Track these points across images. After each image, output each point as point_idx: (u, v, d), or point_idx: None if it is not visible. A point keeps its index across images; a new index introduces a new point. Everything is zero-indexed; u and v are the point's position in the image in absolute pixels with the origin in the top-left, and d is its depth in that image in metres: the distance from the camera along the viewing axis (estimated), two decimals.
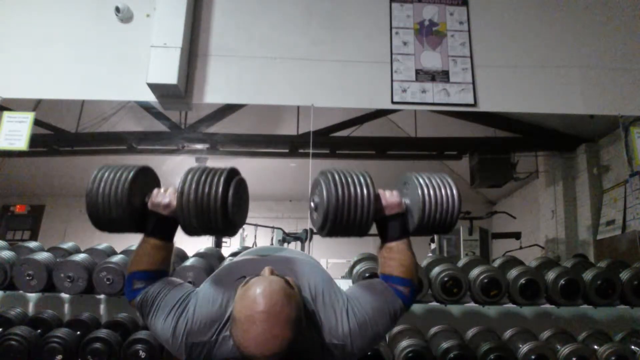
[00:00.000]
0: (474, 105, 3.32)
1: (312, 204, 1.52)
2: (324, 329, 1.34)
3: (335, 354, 1.33)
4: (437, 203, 1.49)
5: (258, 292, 1.19)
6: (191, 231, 1.46)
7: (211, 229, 1.46)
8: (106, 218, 1.46)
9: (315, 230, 1.52)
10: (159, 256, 1.47)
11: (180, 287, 1.44)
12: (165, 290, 1.42)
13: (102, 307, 3.01)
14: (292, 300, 1.21)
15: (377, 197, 1.50)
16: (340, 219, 1.41)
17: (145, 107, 4.60)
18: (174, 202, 1.46)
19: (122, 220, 1.46)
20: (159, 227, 1.48)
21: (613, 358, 2.61)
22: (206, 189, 1.40)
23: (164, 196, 1.48)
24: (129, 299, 1.46)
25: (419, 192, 1.49)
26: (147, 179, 1.57)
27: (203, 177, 1.42)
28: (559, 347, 2.68)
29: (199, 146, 5.78)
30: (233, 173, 1.47)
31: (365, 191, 1.43)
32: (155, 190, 1.51)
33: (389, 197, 1.53)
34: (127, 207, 1.44)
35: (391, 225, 1.52)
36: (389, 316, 1.42)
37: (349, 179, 1.45)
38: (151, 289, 1.42)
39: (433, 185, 1.51)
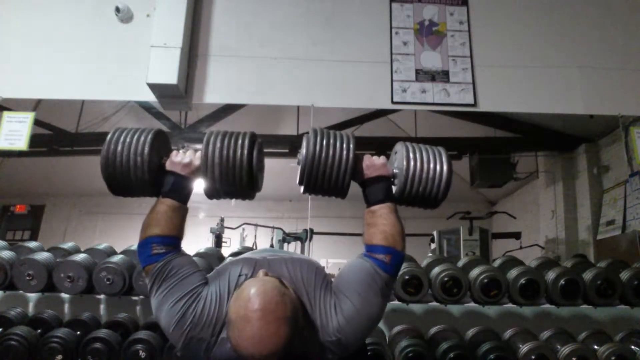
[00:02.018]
0: (474, 105, 3.32)
1: (297, 159, 1.53)
2: (320, 328, 1.34)
3: (333, 350, 1.33)
4: (422, 173, 1.49)
5: (252, 292, 1.20)
6: (213, 191, 1.48)
7: (234, 187, 1.46)
8: (124, 181, 1.46)
9: (299, 184, 1.53)
10: (175, 220, 1.45)
11: (197, 275, 1.40)
12: (184, 271, 1.38)
13: (102, 307, 3.01)
14: (287, 299, 1.21)
15: (359, 158, 1.51)
16: (316, 172, 1.43)
17: (146, 107, 4.61)
18: (195, 162, 1.48)
19: (142, 183, 1.46)
20: (176, 187, 1.48)
21: (613, 358, 2.61)
22: (231, 147, 1.43)
23: (184, 156, 1.50)
24: (145, 264, 1.40)
25: (405, 160, 1.50)
26: (162, 142, 1.58)
27: (227, 138, 1.46)
28: (559, 347, 2.68)
29: (199, 146, 5.78)
30: (255, 135, 1.51)
31: (344, 146, 1.46)
32: (175, 152, 1.54)
33: (374, 159, 1.53)
34: (148, 169, 1.44)
35: (374, 187, 1.51)
36: (376, 296, 1.38)
37: (332, 136, 1.47)
38: (173, 262, 1.38)
39: (422, 156, 1.51)
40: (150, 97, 3.19)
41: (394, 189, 1.56)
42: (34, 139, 3.15)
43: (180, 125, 5.40)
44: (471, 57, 3.39)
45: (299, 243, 5.56)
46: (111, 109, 5.12)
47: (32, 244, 3.11)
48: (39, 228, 7.51)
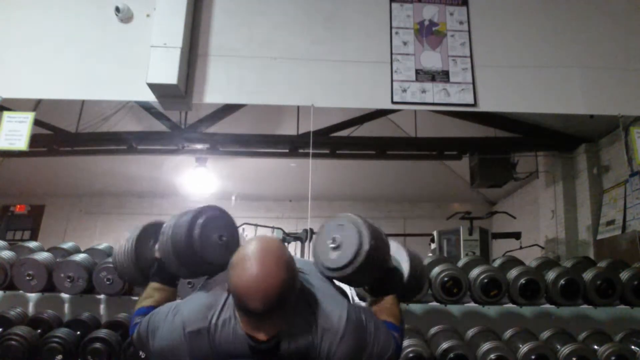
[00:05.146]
0: (474, 105, 3.31)
1: (331, 244, 1.55)
2: (320, 315, 1.36)
3: (324, 339, 1.34)
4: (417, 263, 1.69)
5: (254, 239, 1.30)
6: (177, 272, 1.57)
7: (188, 268, 1.54)
8: (124, 273, 1.67)
9: (332, 269, 1.55)
10: (159, 297, 1.56)
11: (167, 304, 1.50)
12: (155, 312, 1.48)
13: (102, 307, 3.00)
14: (286, 251, 1.28)
15: None
16: (371, 260, 1.48)
17: (145, 107, 4.61)
18: None
19: (134, 275, 1.64)
20: (159, 272, 1.59)
21: (613, 358, 2.61)
22: (177, 230, 1.49)
23: None
24: (131, 334, 1.52)
25: (408, 264, 1.66)
26: (152, 234, 1.67)
27: (181, 218, 1.52)
28: (559, 347, 2.68)
29: (199, 146, 5.79)
30: (201, 213, 1.53)
31: (386, 239, 1.58)
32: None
33: None
34: (136, 263, 1.62)
35: (385, 280, 1.61)
36: (382, 348, 1.42)
37: (376, 225, 1.57)
38: (144, 319, 1.48)
39: (413, 259, 1.70)
40: (150, 97, 3.19)
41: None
42: (34, 139, 3.14)
43: (180, 125, 5.41)
44: (471, 57, 3.39)
45: (299, 243, 5.55)
46: (111, 109, 5.13)
47: (32, 244, 3.11)
48: (39, 228, 7.51)
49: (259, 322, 1.22)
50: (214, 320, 1.33)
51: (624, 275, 2.92)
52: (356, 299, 2.65)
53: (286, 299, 1.22)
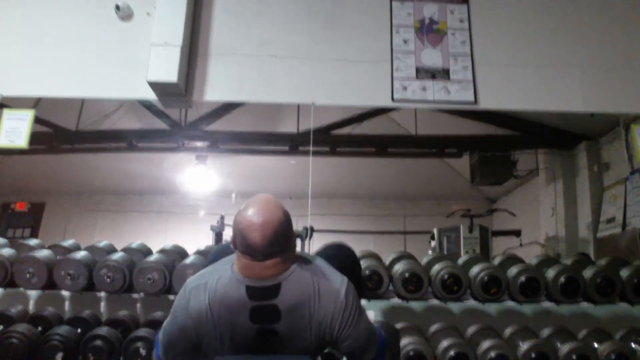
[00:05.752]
0: (475, 103, 3.31)
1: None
2: (322, 279, 1.43)
3: (328, 300, 1.40)
4: None
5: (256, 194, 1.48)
6: None
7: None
8: None
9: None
10: None
11: None
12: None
13: (102, 304, 3.01)
14: (282, 205, 1.45)
15: None
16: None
17: (146, 105, 4.61)
18: None
19: None
20: None
21: (613, 356, 2.62)
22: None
23: None
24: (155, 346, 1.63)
25: None
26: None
27: None
28: (559, 345, 2.69)
29: (199, 144, 5.79)
30: None
31: None
32: None
33: None
34: None
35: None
36: (371, 335, 1.52)
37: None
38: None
39: None
40: (150, 95, 3.19)
41: None
42: (34, 137, 3.15)
43: (180, 123, 5.40)
44: (472, 55, 3.38)
45: (299, 241, 5.55)
46: (111, 106, 5.12)
47: (33, 242, 3.12)
48: (39, 226, 7.50)
49: (258, 260, 1.33)
50: (214, 279, 1.43)
51: (624, 273, 2.93)
52: None
53: (283, 239, 1.36)
